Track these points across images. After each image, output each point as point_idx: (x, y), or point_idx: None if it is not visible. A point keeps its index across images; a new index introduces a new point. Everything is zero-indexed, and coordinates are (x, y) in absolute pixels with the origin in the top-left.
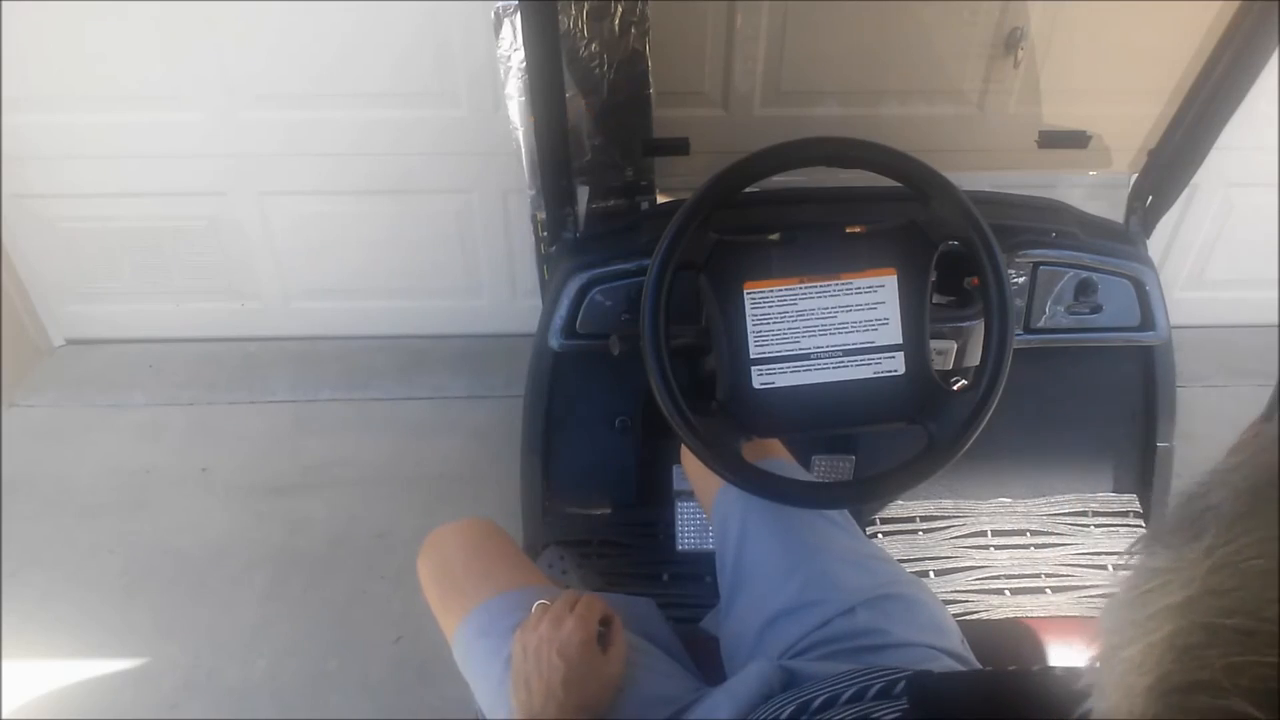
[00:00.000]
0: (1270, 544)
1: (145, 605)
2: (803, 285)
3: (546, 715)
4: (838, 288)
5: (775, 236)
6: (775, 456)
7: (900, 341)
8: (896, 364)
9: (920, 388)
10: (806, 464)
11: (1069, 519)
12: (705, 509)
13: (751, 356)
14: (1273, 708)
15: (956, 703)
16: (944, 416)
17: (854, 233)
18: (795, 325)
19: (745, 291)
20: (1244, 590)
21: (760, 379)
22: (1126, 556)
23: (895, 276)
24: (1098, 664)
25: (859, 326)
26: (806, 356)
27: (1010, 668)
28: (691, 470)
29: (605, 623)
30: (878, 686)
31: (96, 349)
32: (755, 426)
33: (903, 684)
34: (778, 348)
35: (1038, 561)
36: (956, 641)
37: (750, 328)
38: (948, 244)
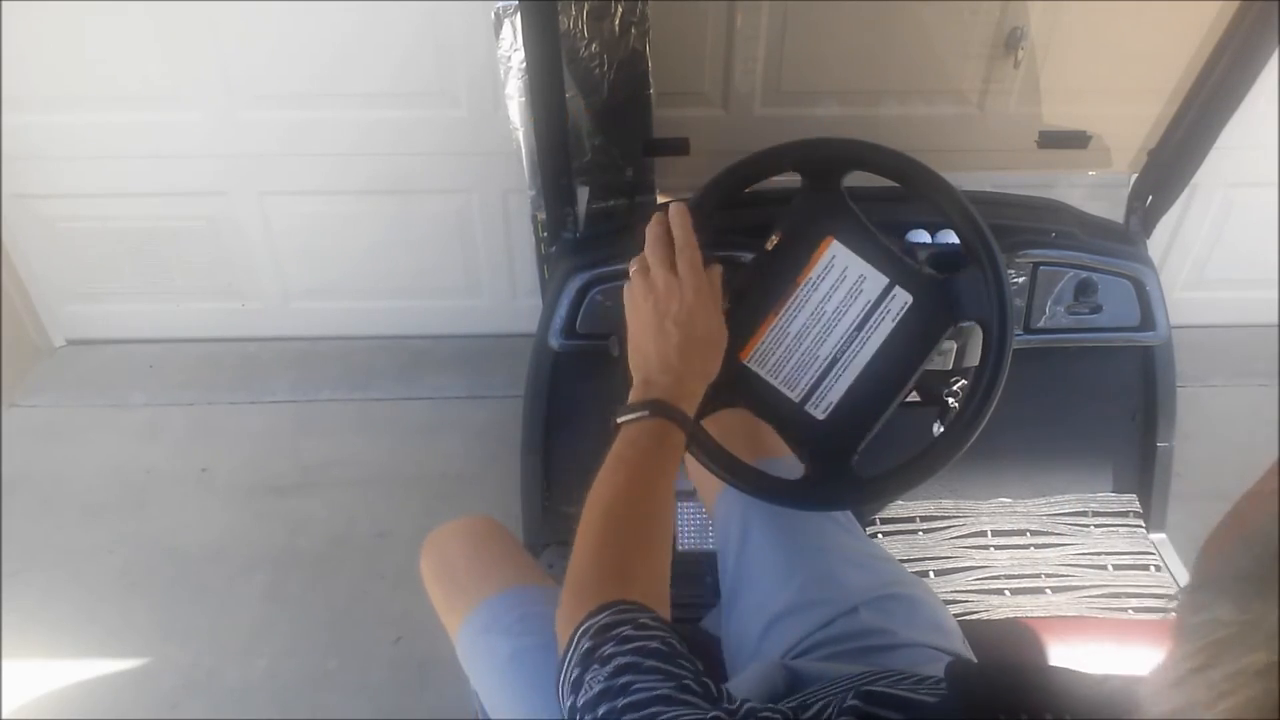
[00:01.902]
0: None
1: (145, 605)
2: (780, 317)
3: (664, 381)
4: (805, 291)
5: (724, 306)
6: (776, 456)
7: (886, 280)
8: (901, 297)
9: (936, 291)
10: None
11: (1069, 519)
12: (708, 508)
13: (797, 399)
14: None
15: (997, 695)
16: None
17: (772, 244)
18: (805, 345)
19: (746, 363)
20: None
21: (819, 410)
22: (1176, 602)
23: (833, 241)
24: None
25: (848, 300)
26: (834, 360)
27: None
28: (694, 470)
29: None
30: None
31: (97, 349)
32: (853, 446)
33: (940, 669)
34: (810, 375)
35: (1038, 561)
36: (958, 642)
37: (775, 381)
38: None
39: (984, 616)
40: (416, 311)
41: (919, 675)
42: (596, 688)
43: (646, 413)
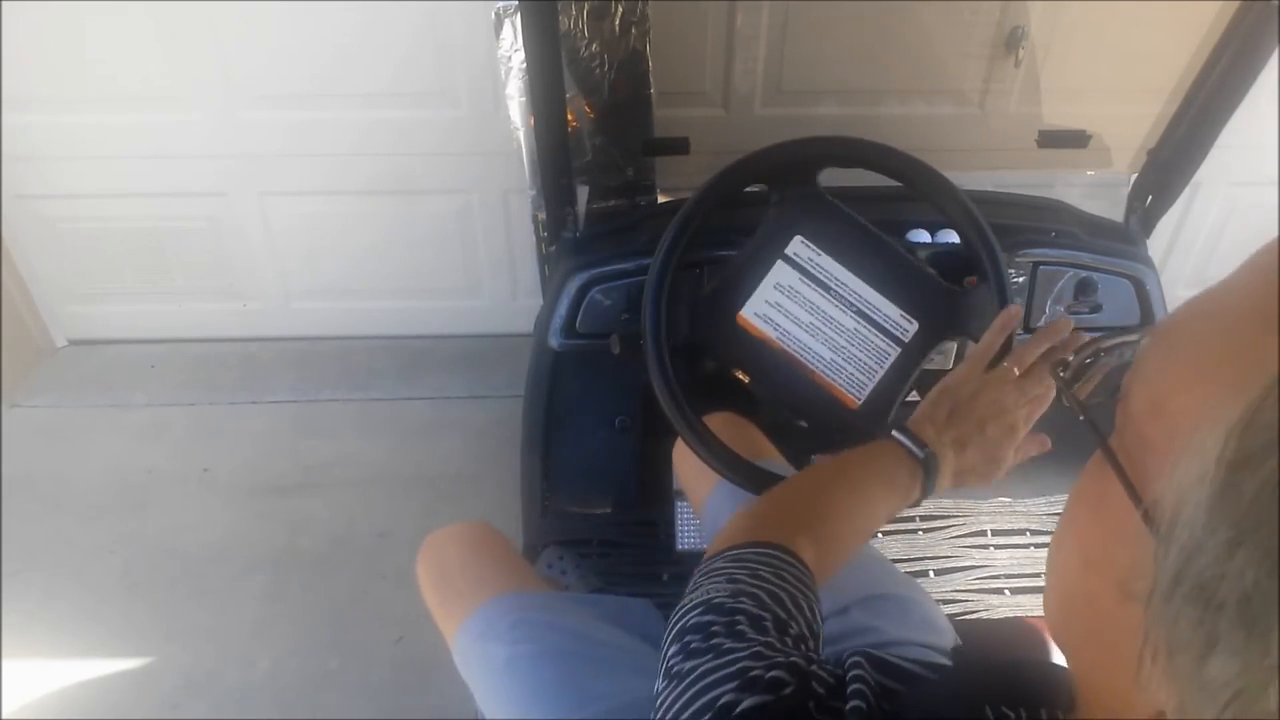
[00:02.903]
0: None
1: (146, 605)
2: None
3: (934, 439)
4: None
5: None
6: (769, 459)
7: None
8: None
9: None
10: (801, 466)
11: None
12: (696, 510)
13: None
14: None
15: (994, 682)
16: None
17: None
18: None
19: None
20: None
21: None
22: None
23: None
24: None
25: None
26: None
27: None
28: (683, 471)
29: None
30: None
31: (98, 349)
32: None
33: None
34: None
35: (1038, 561)
36: (949, 641)
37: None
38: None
39: (984, 616)
40: (417, 311)
41: (923, 660)
42: (704, 588)
43: (920, 452)
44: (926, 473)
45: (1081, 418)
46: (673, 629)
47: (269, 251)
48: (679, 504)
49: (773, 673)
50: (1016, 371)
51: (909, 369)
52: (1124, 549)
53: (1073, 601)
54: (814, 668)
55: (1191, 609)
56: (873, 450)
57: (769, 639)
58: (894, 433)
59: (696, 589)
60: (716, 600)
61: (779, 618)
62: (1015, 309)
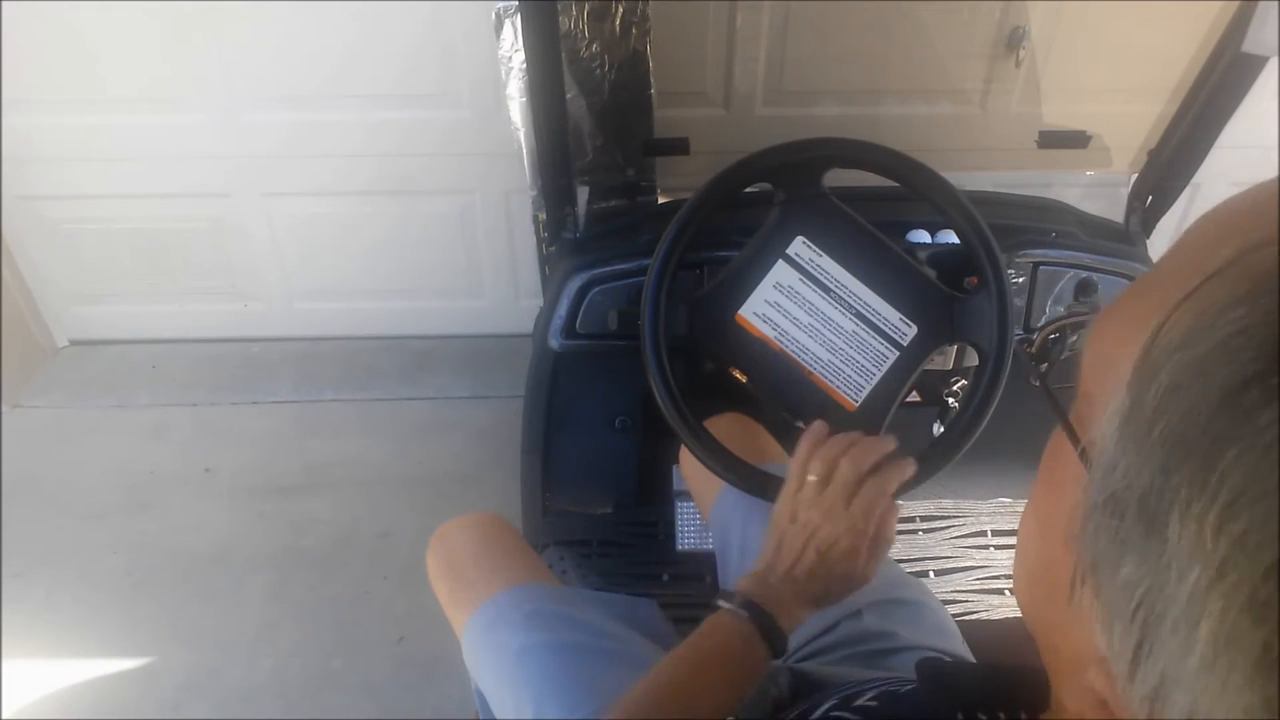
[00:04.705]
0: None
1: (149, 605)
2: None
3: (775, 583)
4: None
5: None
6: (774, 460)
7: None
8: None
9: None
10: None
11: None
12: (702, 512)
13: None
14: None
15: (963, 688)
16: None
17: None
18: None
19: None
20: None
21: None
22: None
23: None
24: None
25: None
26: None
27: (1016, 664)
28: (689, 473)
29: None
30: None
31: (100, 350)
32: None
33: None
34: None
35: None
36: (959, 645)
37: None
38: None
39: (984, 616)
40: (419, 312)
41: (912, 680)
42: None
43: (744, 613)
44: (764, 631)
45: (1036, 383)
46: None
47: (272, 252)
48: (679, 504)
49: None
50: (813, 478)
51: (907, 372)
52: (1068, 500)
53: (1034, 572)
54: None
55: (1107, 521)
56: (706, 629)
57: None
58: (718, 600)
59: None
60: None
61: None
62: (820, 425)
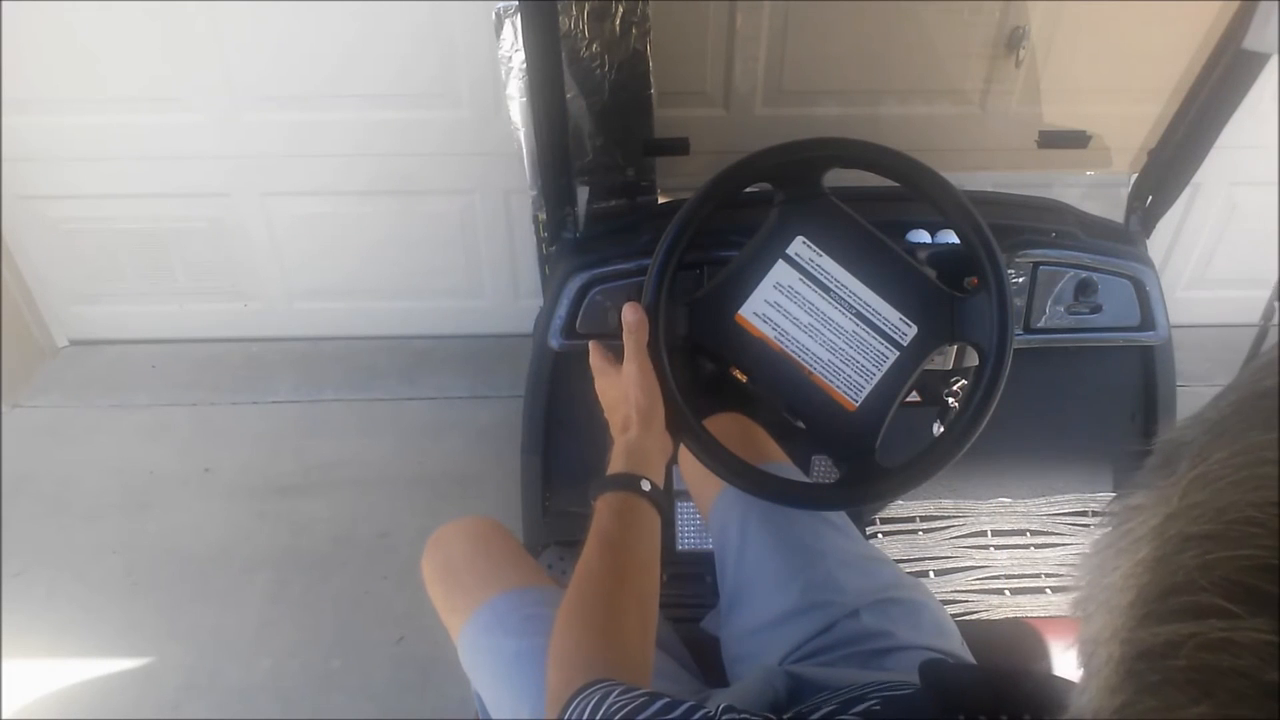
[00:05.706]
0: (1236, 457)
1: (148, 605)
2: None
3: (623, 450)
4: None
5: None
6: (774, 460)
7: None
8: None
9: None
10: (806, 465)
11: (1069, 519)
12: (702, 513)
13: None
14: (1240, 598)
15: (965, 691)
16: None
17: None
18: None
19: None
20: (1213, 499)
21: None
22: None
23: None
24: (1084, 598)
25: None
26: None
27: (1018, 667)
28: (688, 473)
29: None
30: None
31: (100, 350)
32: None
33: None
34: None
35: (1038, 561)
36: (957, 644)
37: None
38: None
39: (984, 616)
40: (419, 312)
41: (912, 683)
42: None
43: (617, 484)
44: (639, 489)
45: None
46: None
47: (271, 252)
48: (679, 504)
49: None
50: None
51: (907, 372)
52: None
53: None
54: None
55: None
56: (595, 517)
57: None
58: (591, 493)
59: None
60: None
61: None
62: (629, 308)
